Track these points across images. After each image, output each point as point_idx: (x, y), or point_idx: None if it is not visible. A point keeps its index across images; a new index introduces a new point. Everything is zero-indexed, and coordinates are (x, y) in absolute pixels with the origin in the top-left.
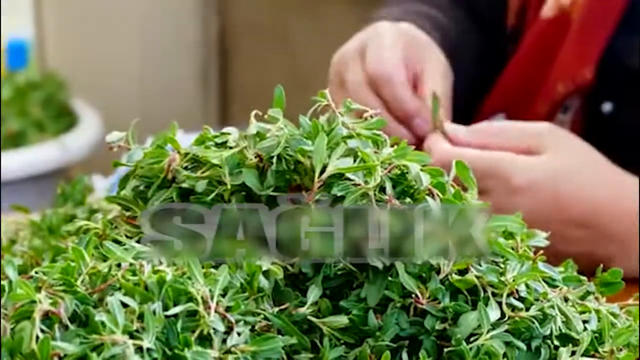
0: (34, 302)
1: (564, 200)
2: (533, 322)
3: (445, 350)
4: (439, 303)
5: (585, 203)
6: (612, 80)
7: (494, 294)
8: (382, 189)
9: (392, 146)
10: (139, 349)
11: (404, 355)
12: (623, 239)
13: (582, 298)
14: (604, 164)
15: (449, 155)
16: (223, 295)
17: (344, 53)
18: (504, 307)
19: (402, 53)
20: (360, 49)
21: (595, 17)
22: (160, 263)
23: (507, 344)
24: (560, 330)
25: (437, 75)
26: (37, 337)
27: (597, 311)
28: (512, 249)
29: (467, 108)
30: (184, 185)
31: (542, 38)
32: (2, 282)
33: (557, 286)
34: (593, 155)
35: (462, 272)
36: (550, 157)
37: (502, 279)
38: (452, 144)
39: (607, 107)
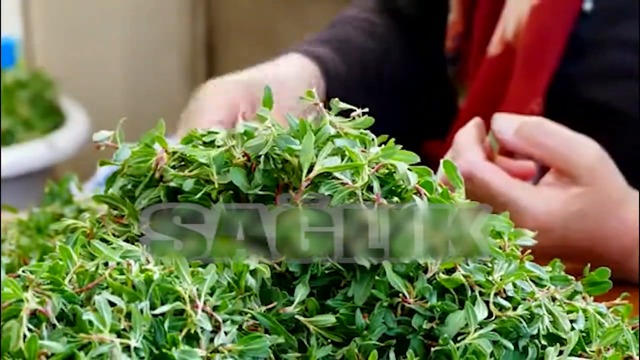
0: (21, 301)
1: (572, 243)
2: (520, 322)
3: (433, 349)
4: (427, 302)
5: (596, 244)
6: (562, 110)
7: (481, 293)
8: (370, 188)
9: (379, 145)
10: (127, 348)
11: (392, 355)
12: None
13: (570, 297)
14: (625, 209)
15: (475, 171)
16: (210, 295)
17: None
18: (492, 306)
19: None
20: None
21: (539, 49)
22: (148, 262)
23: (495, 343)
24: (547, 329)
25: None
26: (25, 336)
27: (585, 311)
28: (500, 248)
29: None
30: (172, 184)
31: (491, 76)
32: None
33: (544, 285)
34: (619, 196)
35: (450, 271)
36: (578, 197)
37: (490, 278)
38: (490, 154)
39: None
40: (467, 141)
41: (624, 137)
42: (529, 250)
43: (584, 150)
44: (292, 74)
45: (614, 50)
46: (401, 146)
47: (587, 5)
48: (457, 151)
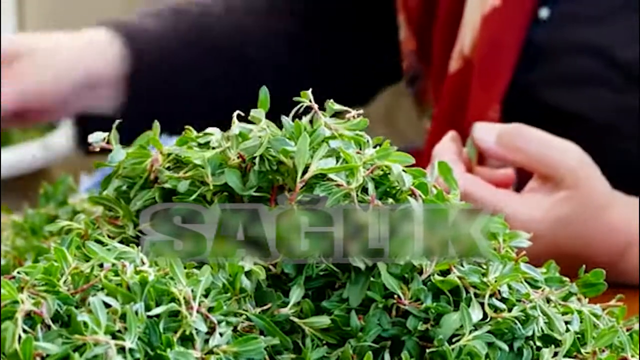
0: (16, 302)
1: (561, 248)
2: (515, 323)
3: (428, 351)
4: (421, 304)
5: (584, 247)
6: (520, 116)
7: (476, 295)
8: (365, 190)
9: (374, 147)
10: (121, 349)
11: (386, 356)
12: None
13: (565, 299)
14: (610, 211)
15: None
16: (205, 296)
17: None
18: (486, 308)
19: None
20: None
21: (492, 58)
22: (143, 263)
23: (490, 344)
24: (542, 331)
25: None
26: (20, 337)
27: (580, 312)
28: (495, 249)
29: None
30: (167, 185)
31: (454, 92)
32: None
33: (539, 287)
34: (602, 201)
35: (445, 272)
36: (563, 200)
37: (485, 279)
38: (478, 158)
39: None
40: (445, 155)
41: (582, 142)
42: (524, 252)
43: (565, 153)
44: (70, 44)
45: (570, 55)
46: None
47: (544, 13)
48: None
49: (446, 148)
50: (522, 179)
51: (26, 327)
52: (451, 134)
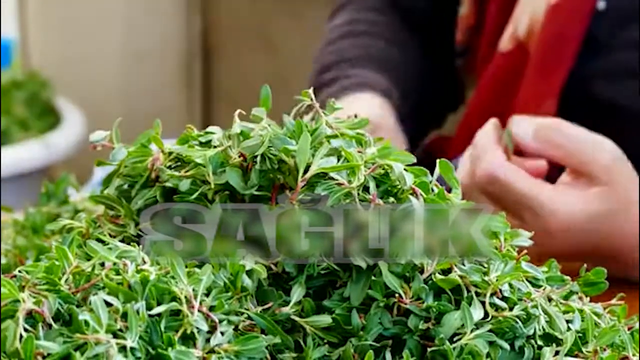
0: (17, 301)
1: (593, 245)
2: (516, 322)
3: (429, 350)
4: (423, 303)
5: (615, 242)
6: (575, 109)
7: (477, 294)
8: (366, 189)
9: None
10: (123, 348)
11: (388, 355)
12: None
13: (566, 298)
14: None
15: (498, 173)
16: (206, 295)
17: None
18: (488, 306)
19: None
20: None
21: (555, 49)
22: (144, 262)
23: (491, 343)
24: (543, 330)
25: None
26: (21, 336)
27: (581, 311)
28: (496, 248)
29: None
30: (168, 184)
31: (501, 72)
32: None
33: (540, 286)
34: (635, 197)
35: (446, 271)
36: (597, 197)
37: (486, 278)
38: (511, 155)
39: None
40: (487, 143)
41: (636, 137)
42: (525, 251)
43: (601, 150)
44: (379, 115)
45: (625, 49)
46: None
47: (601, 5)
48: (477, 153)
49: (488, 135)
50: (551, 172)
51: (27, 326)
52: (493, 122)
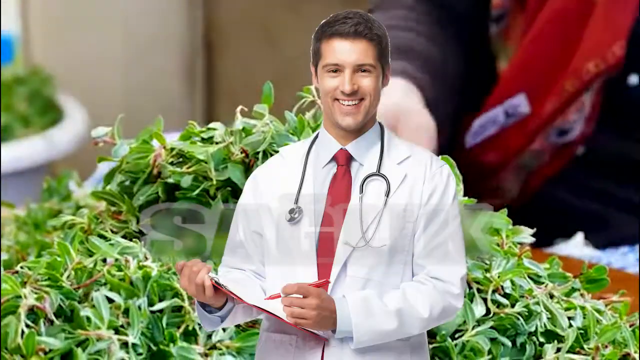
0: (19, 297)
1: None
2: (518, 319)
3: (431, 346)
4: None
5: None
6: None
7: (479, 291)
8: None
9: None
10: (124, 344)
11: None
12: None
13: (568, 295)
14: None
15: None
16: None
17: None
18: (489, 303)
19: None
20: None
21: None
22: (146, 258)
23: (492, 340)
24: (545, 326)
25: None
26: (23, 332)
27: (583, 308)
28: (498, 245)
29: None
30: (170, 180)
31: (563, 14)
32: None
33: (542, 283)
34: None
35: None
36: None
37: (488, 275)
38: None
39: (633, 79)
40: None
41: None
42: (527, 248)
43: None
44: (409, 102)
45: None
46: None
47: None
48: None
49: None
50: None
51: (29, 322)
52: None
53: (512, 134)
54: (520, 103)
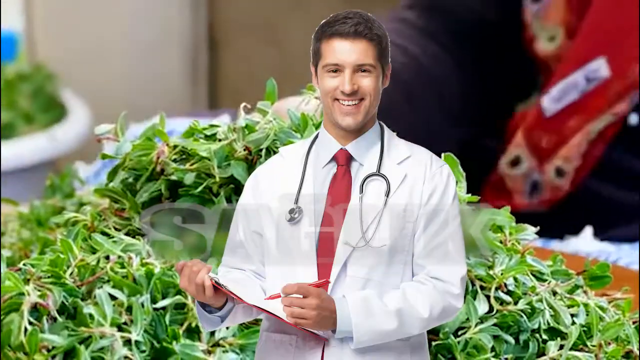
0: (22, 294)
1: None
2: (521, 316)
3: (434, 343)
4: None
5: None
6: None
7: (482, 288)
8: None
9: None
10: (127, 342)
11: None
12: None
13: (571, 292)
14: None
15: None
16: None
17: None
18: (492, 300)
19: None
20: None
21: None
22: (149, 256)
23: (495, 337)
24: (548, 323)
25: None
26: (26, 329)
27: (586, 305)
28: (501, 242)
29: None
30: (173, 177)
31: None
32: None
33: (545, 280)
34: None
35: None
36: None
37: (491, 272)
38: None
39: None
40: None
41: None
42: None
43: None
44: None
45: None
46: None
47: None
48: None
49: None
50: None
51: (32, 319)
52: None
53: (593, 98)
54: (600, 67)
